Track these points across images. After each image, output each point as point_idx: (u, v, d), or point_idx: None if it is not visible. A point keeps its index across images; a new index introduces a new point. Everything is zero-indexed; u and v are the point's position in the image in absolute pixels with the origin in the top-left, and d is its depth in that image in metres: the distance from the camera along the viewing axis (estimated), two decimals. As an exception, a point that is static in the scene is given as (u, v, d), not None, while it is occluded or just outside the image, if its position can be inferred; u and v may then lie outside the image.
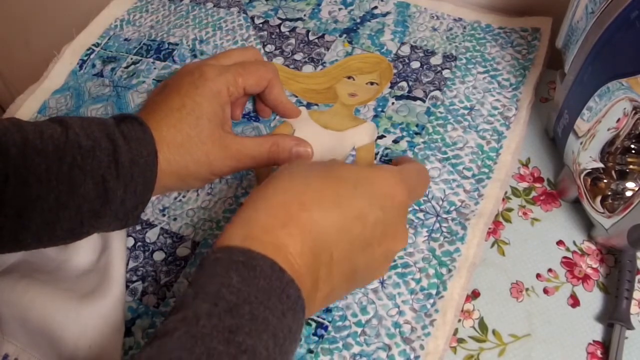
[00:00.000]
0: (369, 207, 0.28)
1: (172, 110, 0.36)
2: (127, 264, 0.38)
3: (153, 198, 0.40)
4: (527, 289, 0.35)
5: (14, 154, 0.31)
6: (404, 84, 0.44)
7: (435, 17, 0.49)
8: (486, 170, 0.39)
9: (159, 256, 0.38)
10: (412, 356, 0.32)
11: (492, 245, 0.37)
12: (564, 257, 0.36)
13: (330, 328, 0.34)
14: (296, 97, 0.45)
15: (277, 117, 0.44)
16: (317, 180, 0.28)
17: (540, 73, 0.43)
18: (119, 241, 0.37)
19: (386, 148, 0.41)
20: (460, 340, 0.34)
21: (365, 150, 0.41)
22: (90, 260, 0.37)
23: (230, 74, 0.38)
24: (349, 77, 0.46)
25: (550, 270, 0.36)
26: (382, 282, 0.35)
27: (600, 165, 0.34)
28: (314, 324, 0.34)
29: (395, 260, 0.36)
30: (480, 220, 0.37)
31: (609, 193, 0.35)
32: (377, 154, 0.41)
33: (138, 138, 0.35)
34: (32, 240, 0.33)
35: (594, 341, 0.33)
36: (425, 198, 0.38)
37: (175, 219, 0.39)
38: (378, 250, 0.29)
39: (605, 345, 0.33)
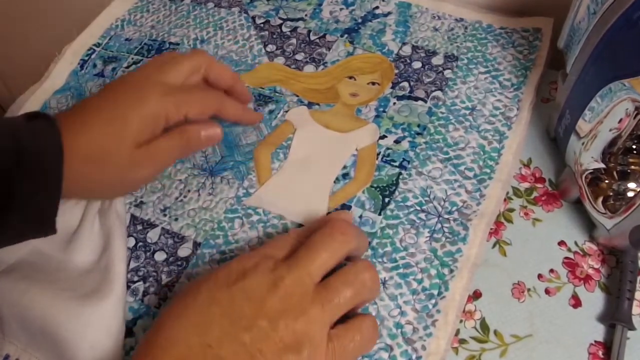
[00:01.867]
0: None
1: (99, 122, 0.35)
2: (128, 264, 0.38)
3: (154, 197, 0.40)
4: (528, 290, 0.35)
5: None
6: (405, 84, 0.44)
7: (437, 17, 0.49)
8: (488, 170, 0.39)
9: (160, 256, 0.38)
10: (414, 356, 0.32)
11: (494, 246, 0.37)
12: (566, 258, 0.36)
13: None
14: (297, 96, 0.45)
15: (279, 117, 0.44)
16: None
17: (541, 73, 0.43)
18: (120, 241, 0.37)
19: (388, 148, 0.41)
20: (462, 341, 0.34)
21: (367, 151, 0.41)
22: (91, 260, 0.37)
23: (173, 100, 0.36)
24: (350, 77, 0.46)
25: (551, 270, 0.36)
26: (383, 283, 0.35)
27: (602, 165, 0.34)
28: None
29: (397, 261, 0.36)
30: (482, 221, 0.37)
31: (611, 194, 0.35)
32: (378, 154, 0.41)
33: (44, 131, 0.33)
34: None
35: (595, 342, 0.33)
36: (427, 198, 0.38)
37: (176, 219, 0.39)
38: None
39: (607, 345, 0.33)
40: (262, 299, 0.28)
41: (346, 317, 0.30)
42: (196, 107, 0.37)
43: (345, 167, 0.40)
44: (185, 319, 0.28)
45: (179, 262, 0.37)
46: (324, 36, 0.49)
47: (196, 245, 0.38)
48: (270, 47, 0.49)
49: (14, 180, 0.32)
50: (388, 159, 0.40)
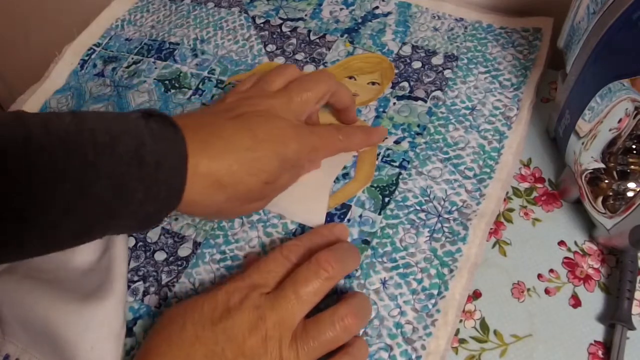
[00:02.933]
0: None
1: (235, 151, 0.33)
2: (128, 264, 0.38)
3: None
4: (528, 290, 0.35)
5: (13, 151, 0.28)
6: (405, 84, 0.44)
7: (437, 17, 0.49)
8: (488, 170, 0.39)
9: (160, 256, 0.38)
10: (413, 356, 0.32)
11: (494, 246, 0.37)
12: (565, 258, 0.36)
13: (331, 328, 0.34)
14: (297, 97, 0.45)
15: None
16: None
17: (541, 73, 0.43)
18: (120, 241, 0.37)
19: (388, 148, 0.41)
20: (462, 341, 0.34)
21: (367, 152, 0.41)
22: (91, 260, 0.37)
23: (308, 150, 0.36)
24: (350, 77, 0.46)
25: (551, 270, 0.36)
26: (383, 283, 0.35)
27: (602, 165, 0.34)
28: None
29: (397, 261, 0.36)
30: (481, 221, 0.37)
31: (611, 193, 0.35)
32: (378, 154, 0.41)
33: (167, 138, 0.31)
34: (37, 245, 0.30)
35: (595, 341, 0.33)
36: (427, 198, 0.38)
37: (176, 219, 0.39)
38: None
39: (607, 345, 0.33)
40: (243, 339, 0.29)
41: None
42: (324, 153, 0.39)
43: (345, 167, 0.40)
44: (170, 357, 0.29)
45: (179, 262, 0.37)
46: (324, 36, 0.49)
47: (196, 244, 0.38)
48: (270, 47, 0.49)
49: (130, 189, 0.30)
50: (388, 159, 0.40)
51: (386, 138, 0.41)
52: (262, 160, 0.34)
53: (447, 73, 0.45)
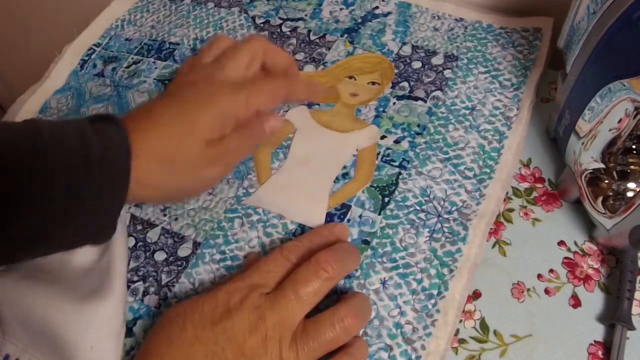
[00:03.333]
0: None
1: (168, 122, 0.34)
2: (128, 264, 0.38)
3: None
4: (528, 290, 0.35)
5: None
6: (405, 84, 0.44)
7: (437, 17, 0.49)
8: (487, 170, 0.39)
9: (160, 256, 0.38)
10: (413, 356, 0.32)
11: (494, 246, 0.37)
12: (565, 258, 0.36)
13: (331, 328, 0.34)
14: (297, 97, 0.45)
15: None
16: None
17: (541, 73, 0.43)
18: (120, 241, 0.37)
19: (387, 148, 0.41)
20: (462, 341, 0.34)
21: (367, 151, 0.41)
22: (91, 260, 0.37)
23: (243, 98, 0.35)
24: (350, 77, 0.46)
25: (551, 270, 0.36)
26: (383, 283, 0.35)
27: (602, 165, 0.34)
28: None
29: (396, 261, 0.36)
30: (481, 221, 0.37)
31: (610, 193, 0.35)
32: (378, 154, 0.41)
33: (110, 133, 0.32)
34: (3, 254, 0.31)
35: (595, 342, 0.33)
36: (427, 198, 0.38)
37: (176, 219, 0.39)
38: None
39: (607, 346, 0.33)
40: (243, 340, 0.29)
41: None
42: (265, 100, 0.37)
43: (345, 167, 0.40)
44: (170, 357, 0.29)
45: (179, 262, 0.37)
46: (324, 36, 0.49)
47: (196, 245, 0.38)
48: (270, 47, 0.49)
49: (80, 183, 0.31)
50: (388, 159, 0.40)
51: (385, 137, 0.41)
52: (192, 120, 0.34)
53: (447, 73, 0.44)
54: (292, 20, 0.51)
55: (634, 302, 0.33)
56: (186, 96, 0.35)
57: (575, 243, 0.37)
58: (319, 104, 0.44)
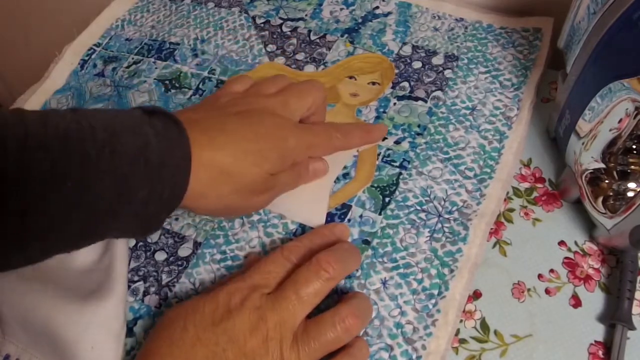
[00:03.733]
0: None
1: (239, 145, 0.33)
2: (129, 264, 0.38)
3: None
4: (528, 290, 0.35)
5: (12, 149, 0.27)
6: (405, 84, 0.44)
7: (437, 17, 0.49)
8: (488, 170, 0.39)
9: (160, 256, 0.38)
10: (414, 356, 0.32)
11: (494, 246, 0.37)
12: (566, 258, 0.36)
13: (332, 328, 0.34)
14: (297, 97, 0.45)
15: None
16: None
17: (541, 73, 0.43)
18: (121, 241, 0.37)
19: (388, 149, 0.41)
20: (462, 341, 0.34)
21: (368, 152, 0.41)
22: (92, 260, 0.37)
23: (305, 145, 0.37)
24: (350, 77, 0.46)
25: (551, 270, 0.36)
26: (384, 283, 0.35)
27: (602, 165, 0.34)
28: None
29: (397, 261, 0.36)
30: (482, 221, 0.37)
31: (611, 193, 0.35)
32: (379, 154, 0.41)
33: (171, 137, 0.31)
34: (37, 248, 0.29)
35: (595, 342, 0.33)
36: (427, 198, 0.38)
37: (176, 219, 0.39)
38: None
39: (607, 345, 0.33)
40: (244, 340, 0.29)
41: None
42: (322, 151, 0.39)
43: (345, 167, 0.40)
44: (171, 358, 0.29)
45: (180, 262, 0.37)
46: (324, 36, 0.49)
47: (196, 245, 0.38)
48: (271, 47, 0.49)
49: (133, 187, 0.29)
50: (388, 159, 0.40)
51: (386, 138, 0.41)
52: (263, 152, 0.34)
53: (448, 73, 0.45)
54: (292, 20, 0.51)
55: (635, 302, 0.33)
56: (258, 129, 0.35)
57: (576, 243, 0.37)
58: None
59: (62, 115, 0.29)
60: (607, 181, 0.35)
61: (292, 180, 0.38)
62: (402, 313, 0.34)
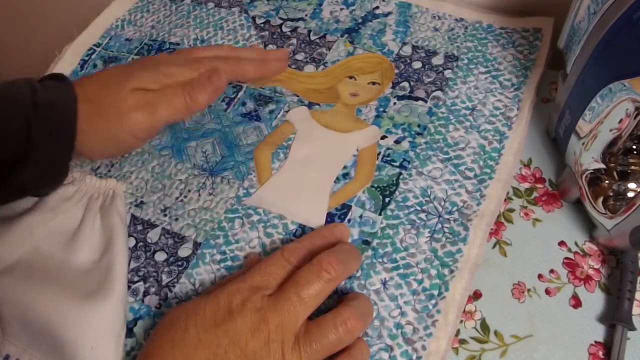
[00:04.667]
0: None
1: (107, 75, 0.39)
2: (129, 265, 0.38)
3: (154, 197, 0.40)
4: (528, 290, 0.35)
5: None
6: (405, 84, 0.44)
7: (437, 17, 0.49)
8: (488, 170, 0.39)
9: (160, 257, 0.38)
10: (414, 357, 0.32)
11: (494, 246, 0.37)
12: (566, 258, 0.36)
13: (332, 329, 0.34)
14: (298, 96, 0.45)
15: (279, 117, 0.44)
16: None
17: (542, 73, 0.43)
18: (121, 241, 0.37)
19: (388, 148, 0.41)
20: (462, 341, 0.34)
21: (367, 151, 0.41)
22: (92, 260, 0.37)
23: (188, 68, 0.40)
24: (350, 77, 0.46)
25: (552, 271, 0.36)
26: (384, 283, 0.35)
27: (602, 166, 0.34)
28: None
29: (397, 261, 0.36)
30: (482, 221, 0.37)
31: (611, 194, 0.35)
32: (379, 154, 0.41)
33: (57, 86, 0.36)
34: None
35: (595, 342, 0.33)
36: (428, 198, 0.38)
37: (176, 219, 0.39)
38: None
39: (607, 346, 0.33)
40: (245, 342, 0.29)
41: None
42: (204, 52, 0.43)
43: (345, 167, 0.40)
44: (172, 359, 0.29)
45: (180, 262, 0.37)
46: (324, 36, 0.49)
47: (196, 245, 0.38)
48: (271, 47, 0.49)
49: (31, 128, 0.34)
50: (388, 159, 0.40)
51: (386, 137, 0.41)
52: (130, 70, 0.39)
53: (448, 73, 0.44)
54: (292, 20, 0.51)
55: (635, 303, 0.33)
56: (129, 72, 0.40)
57: (576, 243, 0.37)
58: (319, 104, 0.44)
59: None
60: (607, 181, 0.35)
61: (178, 98, 0.39)
62: (402, 313, 0.34)
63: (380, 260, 0.36)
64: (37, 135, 0.34)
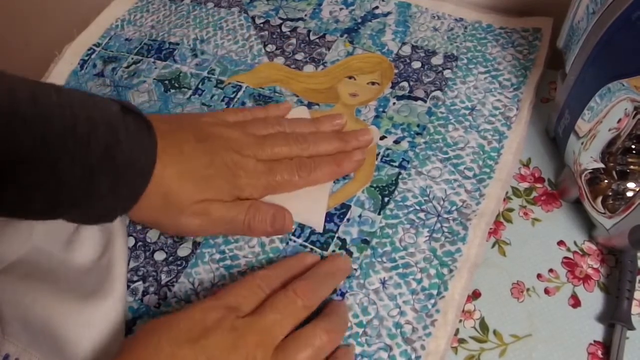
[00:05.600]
0: None
1: (190, 167, 0.35)
2: (128, 264, 0.38)
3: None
4: (527, 289, 0.35)
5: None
6: (405, 84, 0.44)
7: (436, 17, 0.49)
8: (487, 170, 0.39)
9: (159, 256, 0.38)
10: (413, 356, 0.32)
11: (493, 246, 0.37)
12: (565, 258, 0.36)
13: (331, 328, 0.34)
14: (297, 96, 0.45)
15: (278, 117, 0.44)
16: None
17: (541, 73, 0.43)
18: (121, 240, 0.37)
19: (387, 148, 0.41)
20: (461, 341, 0.34)
21: (367, 151, 0.41)
22: (92, 259, 0.37)
23: (261, 191, 0.38)
24: (350, 77, 0.46)
25: (551, 270, 0.36)
26: (383, 283, 0.35)
27: (601, 165, 0.34)
28: (315, 324, 0.34)
29: (396, 261, 0.36)
30: (481, 220, 0.37)
31: (610, 193, 0.35)
32: (378, 154, 0.41)
33: (141, 140, 0.34)
34: (5, 208, 0.32)
35: (594, 341, 0.33)
36: (427, 198, 0.38)
37: (176, 219, 0.39)
38: None
39: (606, 345, 0.33)
40: (224, 359, 0.28)
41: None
42: (283, 189, 0.39)
43: (344, 167, 0.40)
44: None
45: (179, 262, 0.37)
46: (323, 36, 0.49)
47: (196, 244, 0.38)
48: (270, 47, 0.49)
49: (97, 183, 0.32)
50: (387, 159, 0.40)
51: (385, 137, 0.41)
52: (209, 179, 0.36)
53: (447, 73, 0.45)
54: (291, 20, 0.51)
55: (634, 302, 0.33)
56: (216, 156, 0.36)
57: (575, 243, 0.37)
58: (318, 104, 0.44)
59: (49, 92, 0.31)
60: (606, 181, 0.35)
61: (233, 213, 0.36)
62: (401, 313, 0.34)
63: (379, 259, 0.36)
64: (100, 187, 0.32)
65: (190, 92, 0.47)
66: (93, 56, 0.52)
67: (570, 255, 0.36)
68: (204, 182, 0.35)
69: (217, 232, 0.37)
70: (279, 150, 0.38)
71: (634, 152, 0.34)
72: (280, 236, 0.38)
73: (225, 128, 0.39)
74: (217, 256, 0.37)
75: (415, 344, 0.33)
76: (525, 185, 0.39)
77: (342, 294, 0.35)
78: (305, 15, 0.51)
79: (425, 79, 0.44)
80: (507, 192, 0.39)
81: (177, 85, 0.48)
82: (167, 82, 0.48)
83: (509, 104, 0.42)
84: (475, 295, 0.35)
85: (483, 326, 0.34)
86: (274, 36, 0.50)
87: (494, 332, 0.34)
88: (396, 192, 0.38)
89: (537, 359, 0.33)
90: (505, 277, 0.36)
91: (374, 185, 0.39)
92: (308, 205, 0.39)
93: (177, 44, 0.51)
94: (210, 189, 0.35)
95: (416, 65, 0.46)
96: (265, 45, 0.49)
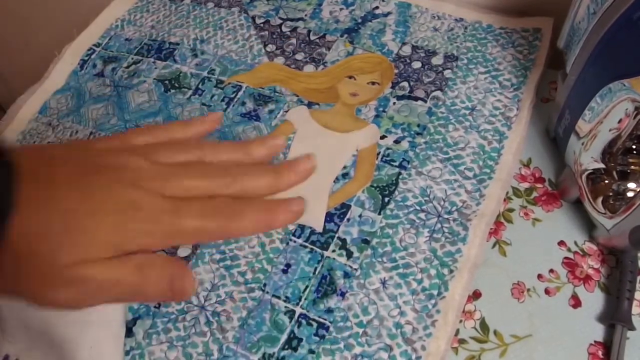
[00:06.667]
0: None
1: (57, 212, 0.25)
2: (128, 264, 0.38)
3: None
4: (528, 290, 0.35)
5: None
6: (405, 84, 0.44)
7: (437, 17, 0.49)
8: (487, 170, 0.39)
9: (160, 256, 0.38)
10: (413, 357, 0.32)
11: (494, 246, 0.37)
12: (565, 258, 0.36)
13: (331, 328, 0.34)
14: (297, 96, 0.45)
15: (278, 116, 0.44)
16: None
17: (541, 73, 0.43)
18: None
19: (387, 148, 0.41)
20: (462, 341, 0.34)
21: (367, 151, 0.41)
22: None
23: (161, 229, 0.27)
24: (350, 77, 0.46)
25: (551, 270, 0.36)
26: (383, 283, 0.35)
27: (602, 165, 0.34)
28: (315, 324, 0.34)
29: (396, 261, 0.36)
30: (481, 221, 0.37)
31: (610, 193, 0.35)
32: (378, 154, 0.41)
33: None
34: None
35: (595, 342, 0.33)
36: (427, 198, 0.38)
37: (176, 219, 0.39)
38: None
39: (607, 345, 0.33)
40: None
41: None
42: (192, 238, 0.29)
43: (345, 166, 0.40)
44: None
45: (179, 262, 0.37)
46: (323, 36, 0.49)
47: (196, 245, 0.38)
48: (270, 47, 0.49)
49: None
50: (388, 158, 0.40)
51: (386, 137, 0.41)
52: (89, 230, 0.25)
53: (447, 73, 0.44)
54: (292, 20, 0.51)
55: (634, 302, 0.33)
56: (102, 189, 0.26)
57: (576, 243, 0.37)
58: (319, 104, 0.44)
59: None
60: (606, 181, 0.35)
61: (118, 275, 0.25)
62: (402, 313, 0.34)
63: (379, 259, 0.36)
64: None
65: (190, 92, 0.47)
66: (93, 56, 0.52)
67: (570, 255, 0.36)
68: (81, 235, 0.25)
69: (98, 302, 0.26)
70: (193, 185, 0.28)
71: (634, 152, 0.34)
72: (280, 237, 0.38)
73: (125, 155, 0.28)
74: (217, 256, 0.37)
75: (415, 344, 0.33)
76: (526, 185, 0.39)
77: (343, 294, 0.35)
78: (306, 15, 0.51)
79: (425, 79, 0.44)
80: (507, 193, 0.39)
81: (177, 85, 0.48)
82: (167, 82, 0.48)
83: (509, 104, 0.42)
84: (475, 295, 0.35)
85: (483, 326, 0.34)
86: (274, 36, 0.50)
87: (495, 332, 0.34)
88: (396, 192, 0.38)
89: (538, 359, 0.33)
90: (505, 278, 0.36)
91: (374, 185, 0.39)
92: (308, 206, 0.39)
93: (177, 44, 0.51)
94: (89, 245, 0.25)
95: (416, 65, 0.46)
96: (265, 45, 0.49)
